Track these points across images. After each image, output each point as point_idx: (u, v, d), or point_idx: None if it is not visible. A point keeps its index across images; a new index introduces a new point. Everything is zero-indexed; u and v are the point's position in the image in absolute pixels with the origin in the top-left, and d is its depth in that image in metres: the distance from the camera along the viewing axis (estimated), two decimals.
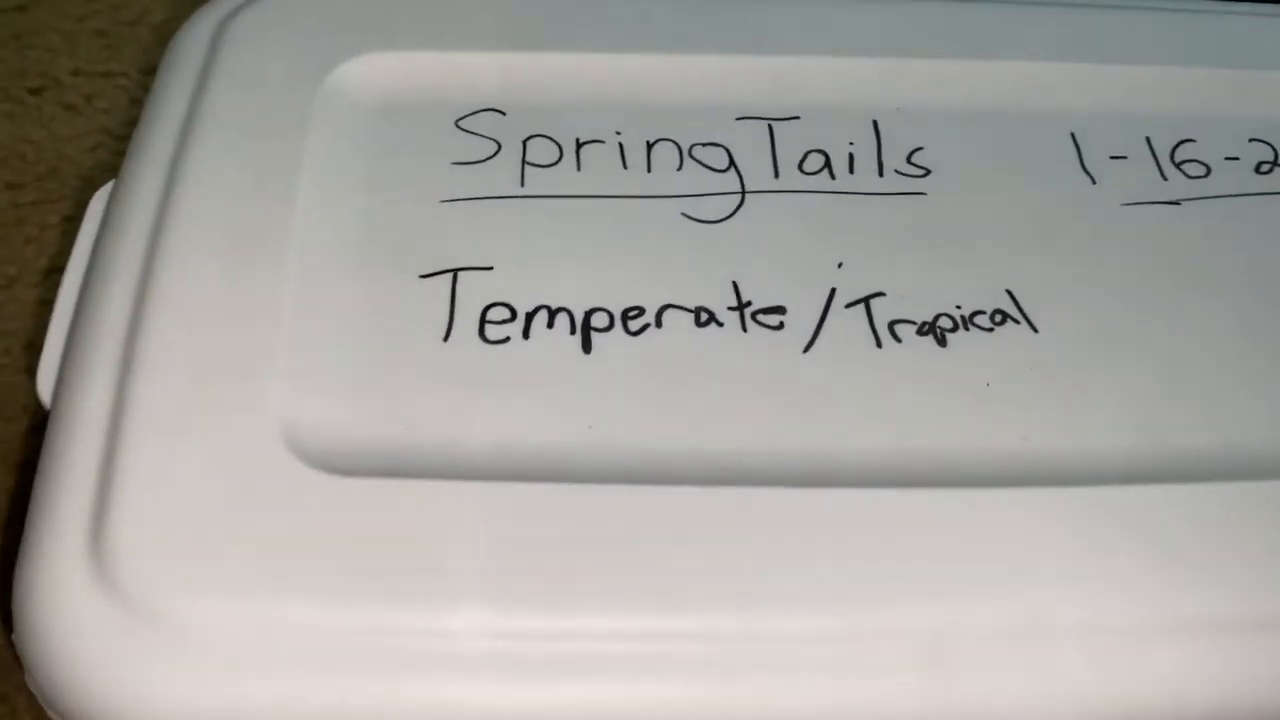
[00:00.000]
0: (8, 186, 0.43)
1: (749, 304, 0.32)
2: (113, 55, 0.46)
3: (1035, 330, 0.32)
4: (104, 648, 0.25)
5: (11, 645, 0.26)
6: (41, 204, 0.43)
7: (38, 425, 0.34)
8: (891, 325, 0.32)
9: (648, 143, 0.35)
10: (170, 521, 0.26)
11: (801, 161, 0.35)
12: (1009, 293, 0.32)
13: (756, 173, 0.35)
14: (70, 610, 0.25)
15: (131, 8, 0.48)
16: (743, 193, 0.34)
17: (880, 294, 0.32)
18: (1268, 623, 0.27)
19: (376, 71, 0.35)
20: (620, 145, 0.35)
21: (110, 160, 0.43)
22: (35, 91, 0.45)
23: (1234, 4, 0.41)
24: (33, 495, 0.27)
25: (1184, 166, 0.36)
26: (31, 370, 0.31)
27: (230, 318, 0.29)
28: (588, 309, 0.31)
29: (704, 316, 0.31)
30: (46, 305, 0.38)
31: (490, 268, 0.32)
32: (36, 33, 0.47)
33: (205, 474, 0.27)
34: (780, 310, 0.32)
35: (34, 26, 0.47)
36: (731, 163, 0.35)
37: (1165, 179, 0.35)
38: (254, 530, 0.26)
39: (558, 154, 0.35)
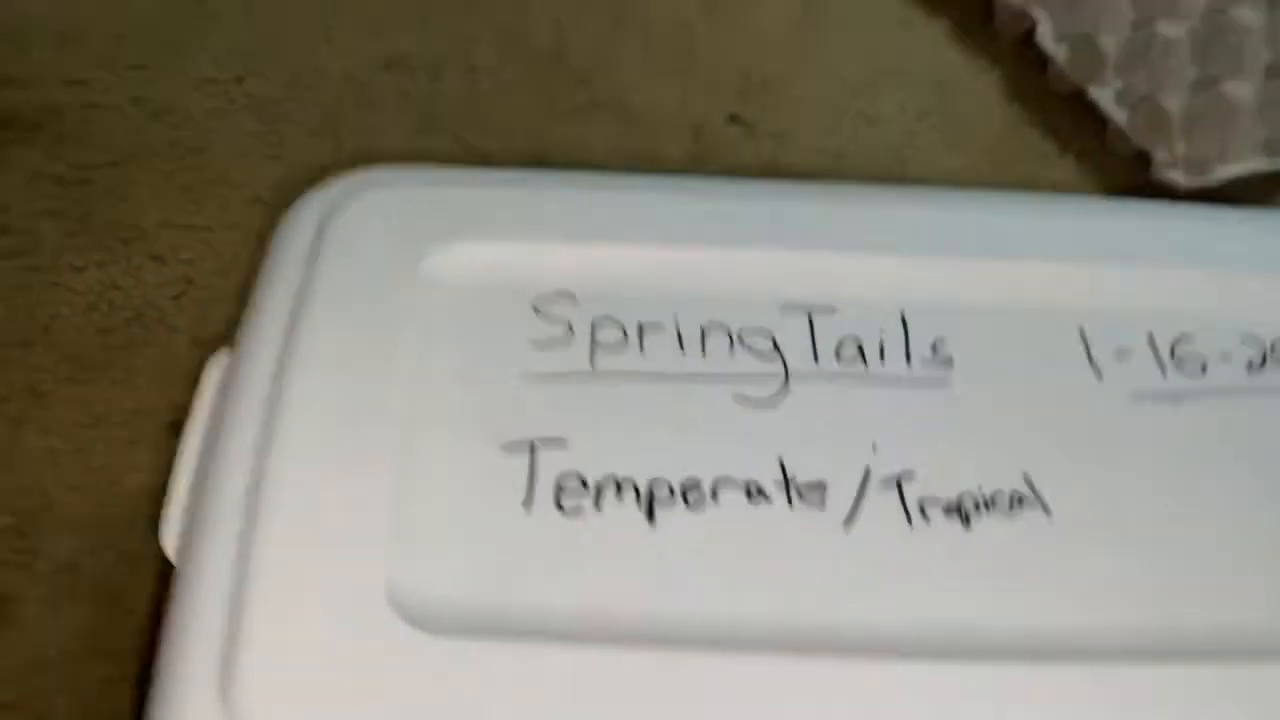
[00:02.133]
0: (98, 331, 0.46)
1: (793, 478, 0.35)
2: (197, 210, 0.50)
3: (1049, 513, 0.35)
4: None
5: None
6: (129, 348, 0.46)
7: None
8: (921, 504, 0.35)
9: (702, 327, 0.39)
10: (291, 678, 0.29)
11: (838, 348, 0.39)
12: (1025, 476, 0.36)
13: (798, 358, 0.38)
14: None
15: (214, 166, 0.52)
16: (786, 376, 0.38)
17: (910, 474, 0.36)
18: None
19: (464, 259, 0.39)
20: (678, 330, 0.39)
21: (191, 308, 0.46)
22: (125, 242, 0.49)
23: (1225, 207, 0.45)
24: (160, 649, 0.30)
25: (1182, 363, 0.39)
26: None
27: (341, 484, 0.32)
28: (650, 479, 0.35)
29: (754, 490, 0.35)
30: (133, 445, 0.41)
31: (563, 439, 0.35)
32: (129, 186, 0.50)
33: (320, 634, 0.30)
34: (822, 486, 0.35)
35: (126, 181, 0.51)
36: (776, 348, 0.39)
37: (1165, 376, 0.39)
38: (363, 689, 0.29)
39: (623, 336, 0.38)
